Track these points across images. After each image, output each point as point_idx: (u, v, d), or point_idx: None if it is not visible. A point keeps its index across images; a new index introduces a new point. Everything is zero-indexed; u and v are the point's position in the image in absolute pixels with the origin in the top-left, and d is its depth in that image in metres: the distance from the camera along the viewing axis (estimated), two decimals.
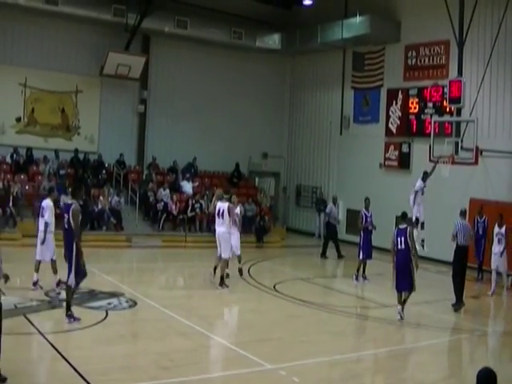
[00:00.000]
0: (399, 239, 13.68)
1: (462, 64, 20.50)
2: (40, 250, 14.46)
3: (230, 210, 16.12)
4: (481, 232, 19.22)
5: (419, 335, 13.32)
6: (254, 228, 26.01)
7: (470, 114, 20.40)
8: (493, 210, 20.60)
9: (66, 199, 12.18)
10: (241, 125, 30.23)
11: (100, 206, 23.39)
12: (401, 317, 13.61)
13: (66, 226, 11.93)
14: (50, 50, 25.74)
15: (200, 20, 27.40)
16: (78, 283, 11.90)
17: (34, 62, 25.36)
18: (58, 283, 14.25)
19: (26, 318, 11.79)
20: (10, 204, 22.08)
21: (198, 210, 25.22)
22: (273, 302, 15.12)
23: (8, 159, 24.84)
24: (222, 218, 16.15)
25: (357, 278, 18.36)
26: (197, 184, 27.42)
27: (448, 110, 22.08)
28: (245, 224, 25.10)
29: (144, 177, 27.01)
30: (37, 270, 14.47)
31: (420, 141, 24.04)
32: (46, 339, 10.50)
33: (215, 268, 16.39)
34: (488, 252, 18.75)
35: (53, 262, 14.47)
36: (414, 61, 25.23)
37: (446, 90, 21.31)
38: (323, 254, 22.57)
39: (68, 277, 11.75)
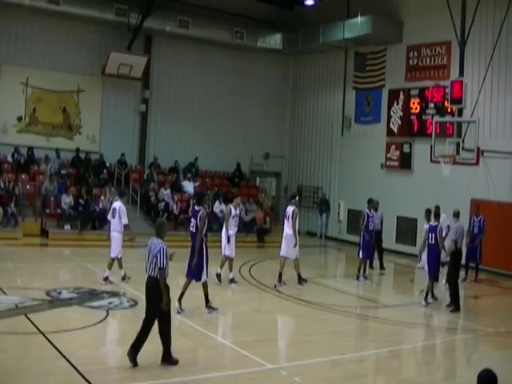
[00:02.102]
0: (431, 235, 15.12)
1: (464, 65, 20.50)
2: (116, 248, 15.65)
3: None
4: (476, 231, 18.86)
5: (421, 335, 13.32)
6: (255, 228, 26.03)
7: (472, 115, 20.40)
8: (494, 210, 20.64)
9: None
10: (242, 125, 30.26)
11: (101, 206, 23.38)
12: (427, 302, 15.21)
13: (194, 230, 13.19)
14: (52, 49, 25.80)
15: (202, 20, 27.42)
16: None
17: (35, 62, 25.42)
18: (124, 277, 15.79)
19: (26, 317, 11.76)
20: (12, 204, 22.10)
21: None
22: (274, 302, 15.11)
23: (9, 158, 24.84)
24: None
25: (358, 278, 18.33)
26: (198, 184, 27.41)
27: (449, 110, 22.04)
28: (246, 224, 25.32)
29: (145, 176, 26.99)
30: (110, 268, 15.65)
31: (421, 141, 24.04)
32: (47, 339, 10.48)
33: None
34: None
35: (119, 259, 15.76)
36: (415, 61, 25.24)
37: (447, 90, 21.34)
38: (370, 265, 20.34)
39: (193, 274, 13.07)
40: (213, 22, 27.78)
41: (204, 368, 9.82)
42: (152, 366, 9.63)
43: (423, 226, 17.47)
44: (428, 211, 17.06)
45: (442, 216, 17.13)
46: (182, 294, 13.06)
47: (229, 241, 16.19)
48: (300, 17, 29.85)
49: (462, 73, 20.35)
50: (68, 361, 9.38)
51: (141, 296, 14.18)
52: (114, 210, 15.75)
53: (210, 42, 28.45)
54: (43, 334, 10.72)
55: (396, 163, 25.82)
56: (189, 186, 26.90)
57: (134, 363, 9.33)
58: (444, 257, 16.00)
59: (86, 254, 20.25)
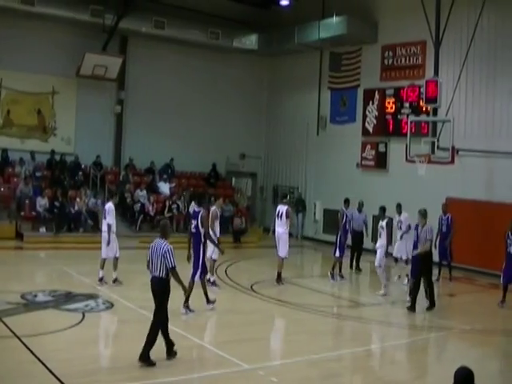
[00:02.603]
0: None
1: (439, 64, 20.67)
2: (105, 249, 15.81)
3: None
4: (445, 230, 18.72)
5: (396, 334, 13.39)
6: (231, 228, 26.03)
7: (447, 114, 20.50)
8: (470, 208, 20.81)
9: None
10: (218, 125, 30.20)
11: (77, 208, 23.26)
12: None
13: (194, 230, 13.64)
14: (27, 50, 25.47)
15: (177, 20, 27.35)
16: (202, 279, 13.66)
17: (9, 63, 25.08)
18: (115, 280, 15.82)
19: (1, 321, 11.65)
20: None
21: (175, 211, 25.21)
22: (251, 303, 15.10)
23: None
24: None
25: (333, 277, 18.39)
26: (174, 185, 27.35)
27: (424, 109, 22.18)
28: (222, 224, 25.31)
29: (121, 178, 26.87)
30: (102, 267, 15.81)
31: (397, 140, 24.17)
32: (23, 342, 10.40)
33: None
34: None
35: (116, 259, 15.91)
36: (390, 61, 25.37)
37: (422, 89, 21.48)
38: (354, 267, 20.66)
39: (194, 274, 13.45)
40: (188, 23, 27.71)
41: (181, 369, 9.76)
42: (130, 367, 9.61)
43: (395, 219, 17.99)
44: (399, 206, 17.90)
45: (404, 214, 17.85)
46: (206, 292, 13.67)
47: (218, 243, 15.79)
48: (275, 17, 29.89)
49: (436, 72, 20.50)
50: (44, 364, 9.32)
51: (117, 298, 14.24)
52: (105, 210, 16.23)
53: (185, 43, 28.36)
54: (19, 338, 10.63)
55: (371, 163, 25.95)
56: (164, 187, 26.83)
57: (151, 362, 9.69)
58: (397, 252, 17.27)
59: (61, 256, 20.09)
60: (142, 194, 25.49)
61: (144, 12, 26.43)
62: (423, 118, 22.22)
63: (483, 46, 21.53)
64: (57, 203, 23.24)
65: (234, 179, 32.30)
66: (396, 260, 18.59)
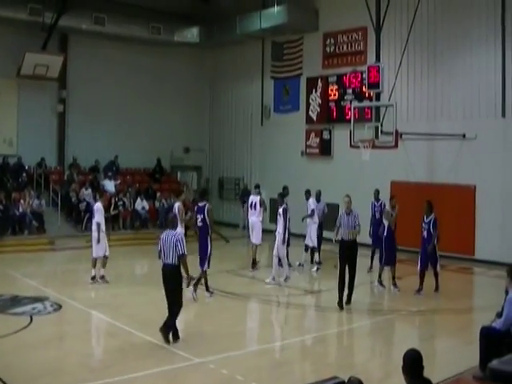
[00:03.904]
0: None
1: (380, 50, 20.93)
2: (96, 248, 16.07)
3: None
4: (377, 217, 18.25)
5: (345, 319, 13.48)
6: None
7: (389, 99, 20.69)
8: (413, 191, 21.08)
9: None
10: (161, 120, 29.95)
11: (21, 210, 22.85)
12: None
13: (201, 224, 14.51)
14: None
15: (118, 16, 27.05)
16: (208, 267, 14.64)
17: None
18: (102, 277, 16.16)
19: None
20: None
21: (121, 208, 25.00)
22: (199, 296, 15.01)
23: None
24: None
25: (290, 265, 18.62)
26: (119, 182, 27.08)
27: (367, 95, 22.34)
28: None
29: (65, 177, 26.49)
30: (94, 266, 16.14)
31: (340, 127, 24.33)
32: None
33: None
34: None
35: (105, 257, 16.17)
36: (332, 48, 25.52)
37: (364, 75, 21.69)
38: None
39: (203, 264, 14.42)
40: (129, 18, 27.40)
41: (131, 367, 9.69)
42: (79, 368, 9.52)
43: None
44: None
45: (312, 200, 18.90)
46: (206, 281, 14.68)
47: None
48: (216, 9, 29.71)
49: (378, 58, 20.74)
50: None
51: (65, 299, 14.05)
52: (93, 210, 16.56)
53: (127, 39, 28.06)
54: None
55: (316, 150, 26.08)
56: (109, 185, 26.54)
57: (169, 339, 10.75)
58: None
59: (6, 259, 19.59)
60: (87, 192, 25.15)
61: (83, 9, 26.04)
62: (366, 103, 22.39)
63: (423, 31, 21.81)
64: (0, 206, 22.75)
65: (179, 173, 32.22)
66: (306, 247, 19.16)
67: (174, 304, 10.84)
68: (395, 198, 16.87)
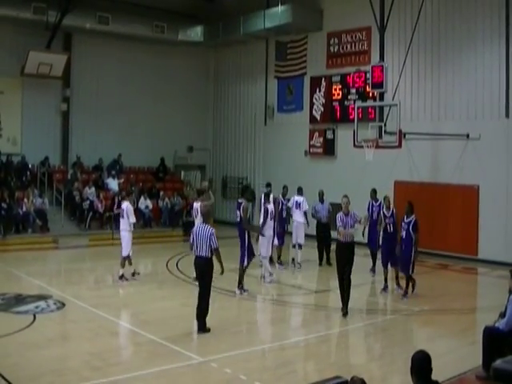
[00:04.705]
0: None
1: (384, 49, 20.85)
2: (126, 247, 16.33)
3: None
4: (375, 217, 17.32)
5: (348, 319, 13.45)
6: (181, 221, 26.02)
7: (393, 99, 20.70)
8: (417, 190, 21.07)
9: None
10: (165, 119, 29.95)
11: (25, 209, 22.85)
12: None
13: (238, 220, 15.23)
14: None
15: (122, 15, 27.03)
16: (248, 263, 15.20)
17: None
18: (133, 274, 16.57)
19: None
20: None
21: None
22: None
23: None
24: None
25: (281, 264, 18.80)
26: (122, 180, 27.05)
27: (371, 95, 22.39)
28: (172, 218, 25.54)
29: (69, 176, 26.49)
30: (123, 266, 16.33)
31: (344, 127, 24.31)
32: None
33: None
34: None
35: (129, 256, 16.46)
36: (336, 48, 25.49)
37: (368, 75, 21.65)
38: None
39: (242, 260, 14.95)
40: (133, 17, 27.39)
41: (135, 366, 9.73)
42: (83, 367, 9.54)
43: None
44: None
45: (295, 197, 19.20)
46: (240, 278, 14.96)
47: None
48: (220, 8, 29.70)
49: (382, 57, 20.68)
50: None
51: (69, 298, 14.07)
52: (122, 210, 16.59)
53: (130, 38, 28.07)
54: None
55: (320, 150, 26.06)
56: (113, 184, 26.54)
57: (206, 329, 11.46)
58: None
59: (10, 258, 19.65)
60: (90, 191, 25.16)
61: (88, 8, 26.01)
62: (370, 103, 22.42)
63: (427, 30, 21.80)
64: (4, 205, 22.75)
65: (182, 172, 32.16)
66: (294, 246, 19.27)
67: (203, 298, 11.56)
68: (388, 197, 16.44)
